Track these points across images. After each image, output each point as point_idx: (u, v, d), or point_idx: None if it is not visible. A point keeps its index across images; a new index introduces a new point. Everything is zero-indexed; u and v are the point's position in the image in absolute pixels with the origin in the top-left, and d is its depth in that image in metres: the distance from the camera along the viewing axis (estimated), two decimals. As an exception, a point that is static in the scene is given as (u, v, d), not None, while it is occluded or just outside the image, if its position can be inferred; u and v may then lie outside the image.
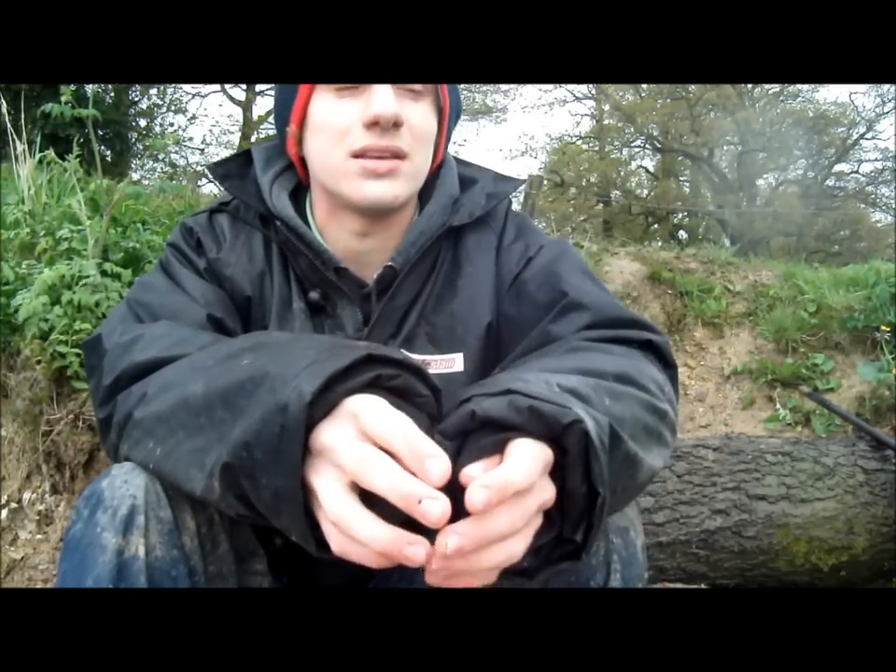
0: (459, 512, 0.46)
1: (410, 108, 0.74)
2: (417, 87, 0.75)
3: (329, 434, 0.49)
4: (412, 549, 0.44)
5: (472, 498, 0.44)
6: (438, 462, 0.45)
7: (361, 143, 0.72)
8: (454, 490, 0.46)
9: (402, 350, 0.80)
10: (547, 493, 0.50)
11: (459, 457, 0.50)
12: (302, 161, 0.81)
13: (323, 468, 0.49)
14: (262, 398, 0.51)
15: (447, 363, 0.80)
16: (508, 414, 0.50)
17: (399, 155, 0.73)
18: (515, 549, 0.48)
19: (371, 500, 0.47)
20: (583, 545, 0.52)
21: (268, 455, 0.49)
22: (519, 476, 0.47)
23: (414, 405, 0.53)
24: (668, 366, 0.72)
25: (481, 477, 0.46)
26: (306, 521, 0.50)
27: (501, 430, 0.50)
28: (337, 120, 0.73)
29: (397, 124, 0.72)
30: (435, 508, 0.43)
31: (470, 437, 0.51)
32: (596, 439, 0.50)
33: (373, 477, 0.46)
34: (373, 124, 0.72)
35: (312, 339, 0.61)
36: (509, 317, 0.81)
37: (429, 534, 0.45)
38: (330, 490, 0.48)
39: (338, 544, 0.48)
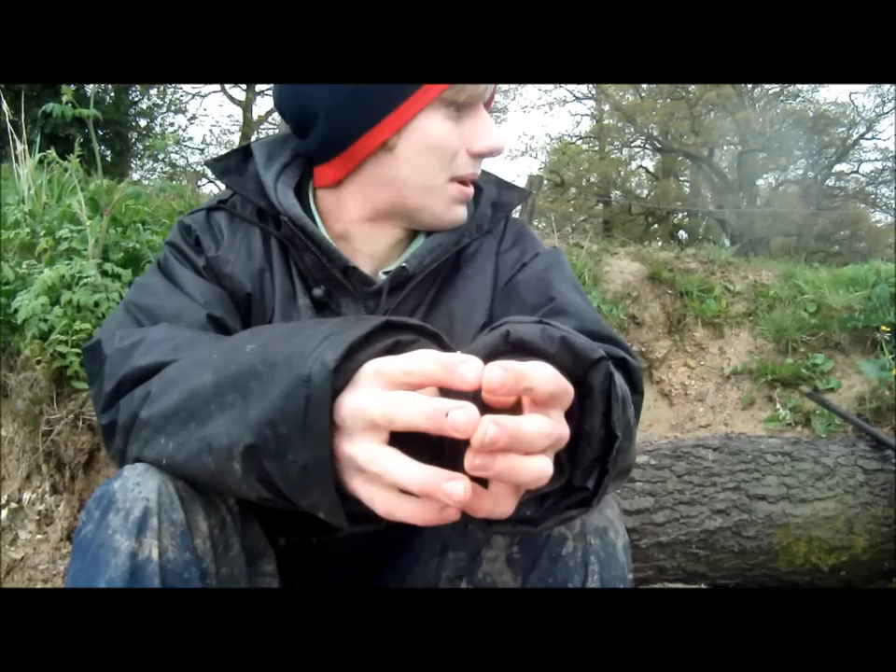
0: None
1: None
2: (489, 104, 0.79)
3: (354, 399, 0.48)
4: (450, 484, 0.44)
5: (489, 375, 0.44)
6: (469, 364, 0.45)
7: (466, 170, 0.78)
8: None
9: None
10: (564, 429, 0.49)
11: None
12: (341, 163, 0.79)
13: (356, 432, 0.48)
14: (280, 375, 0.51)
15: None
16: (540, 341, 0.51)
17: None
18: (544, 468, 0.46)
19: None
20: (594, 492, 0.52)
21: (294, 428, 0.49)
22: (533, 371, 0.46)
23: None
24: (636, 391, 0.71)
25: (498, 361, 0.46)
26: (336, 494, 0.49)
27: (531, 356, 0.50)
28: (450, 143, 0.76)
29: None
30: (461, 415, 0.43)
31: (498, 358, 0.51)
32: (619, 384, 0.52)
33: (400, 411, 0.45)
34: (481, 154, 0.78)
35: (317, 322, 0.61)
36: (497, 318, 0.81)
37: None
38: (370, 449, 0.47)
39: (383, 504, 0.47)
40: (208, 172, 0.84)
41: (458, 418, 0.43)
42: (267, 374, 0.53)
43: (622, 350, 0.72)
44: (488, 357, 0.50)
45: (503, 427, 0.44)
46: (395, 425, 0.46)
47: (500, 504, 0.48)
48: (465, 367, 0.44)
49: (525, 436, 0.45)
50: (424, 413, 0.44)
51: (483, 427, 0.43)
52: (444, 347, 0.53)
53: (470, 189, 0.80)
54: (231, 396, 0.55)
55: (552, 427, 0.47)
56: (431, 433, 0.45)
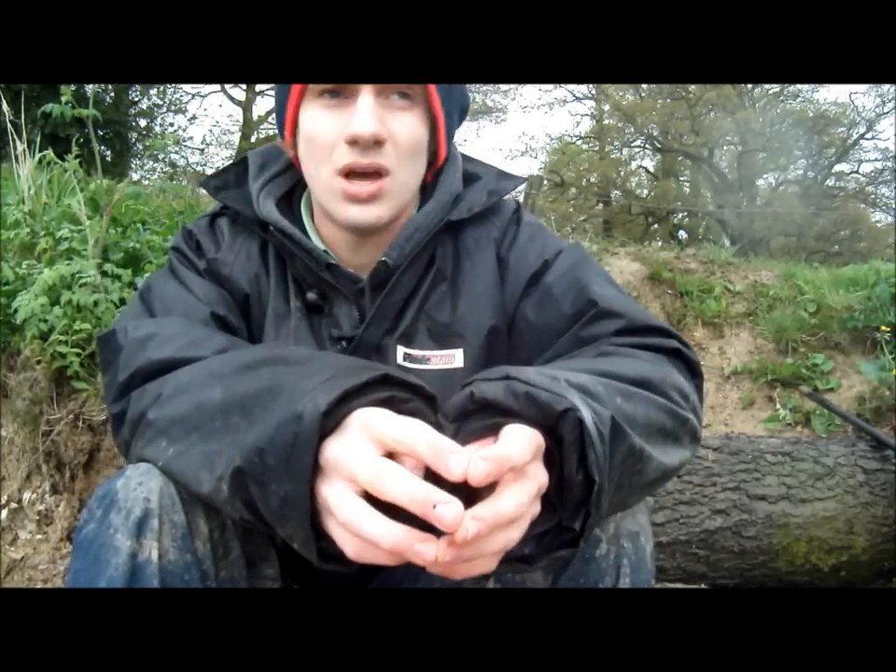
0: (456, 492, 0.48)
1: (395, 122, 0.73)
2: (407, 91, 0.74)
3: (338, 447, 0.50)
4: (422, 546, 0.46)
5: (474, 470, 0.46)
6: (458, 457, 0.46)
7: (344, 160, 0.72)
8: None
9: (399, 345, 0.81)
10: (542, 478, 0.51)
11: (455, 440, 0.51)
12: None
13: (334, 478, 0.50)
14: (279, 407, 0.53)
15: (447, 359, 0.81)
16: (504, 398, 0.52)
17: (381, 172, 0.73)
18: (513, 535, 0.49)
19: (382, 506, 0.48)
20: (581, 533, 0.53)
21: (280, 461, 0.50)
22: (513, 452, 0.48)
23: None
24: (695, 375, 0.73)
25: (478, 451, 0.47)
26: (310, 529, 0.50)
27: (499, 414, 0.52)
28: (324, 134, 0.73)
29: (378, 142, 0.72)
30: (449, 511, 0.45)
31: (468, 420, 0.53)
32: (593, 428, 0.51)
33: (389, 487, 0.47)
34: (354, 142, 0.71)
35: (331, 356, 0.62)
36: (528, 322, 0.81)
37: (434, 531, 0.47)
38: (341, 496, 0.49)
39: (353, 549, 0.49)
40: (208, 172, 0.85)
41: (445, 514, 0.45)
42: (270, 403, 0.54)
43: (674, 340, 0.73)
44: (457, 417, 0.53)
45: (483, 520, 0.46)
46: (379, 496, 0.47)
47: (475, 567, 0.50)
48: (452, 459, 0.46)
49: (505, 516, 0.47)
50: (412, 498, 0.46)
51: (465, 526, 0.45)
52: (436, 410, 0.55)
53: (358, 188, 0.73)
54: (237, 418, 0.56)
55: (528, 493, 0.49)
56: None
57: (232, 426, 0.56)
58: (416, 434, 0.48)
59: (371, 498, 0.49)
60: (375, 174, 0.73)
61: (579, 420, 0.51)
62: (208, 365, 0.64)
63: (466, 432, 0.53)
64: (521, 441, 0.49)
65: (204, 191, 0.90)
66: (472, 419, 0.53)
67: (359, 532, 0.47)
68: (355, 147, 0.72)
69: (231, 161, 0.87)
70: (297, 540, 0.52)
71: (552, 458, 0.52)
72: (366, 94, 0.71)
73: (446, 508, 0.45)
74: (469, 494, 0.47)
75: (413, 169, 0.77)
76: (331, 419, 0.50)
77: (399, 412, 0.52)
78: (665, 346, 0.72)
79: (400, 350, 0.80)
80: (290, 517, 0.51)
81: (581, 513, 0.53)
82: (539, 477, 0.51)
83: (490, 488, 0.48)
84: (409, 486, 0.46)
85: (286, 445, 0.50)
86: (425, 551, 0.46)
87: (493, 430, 0.51)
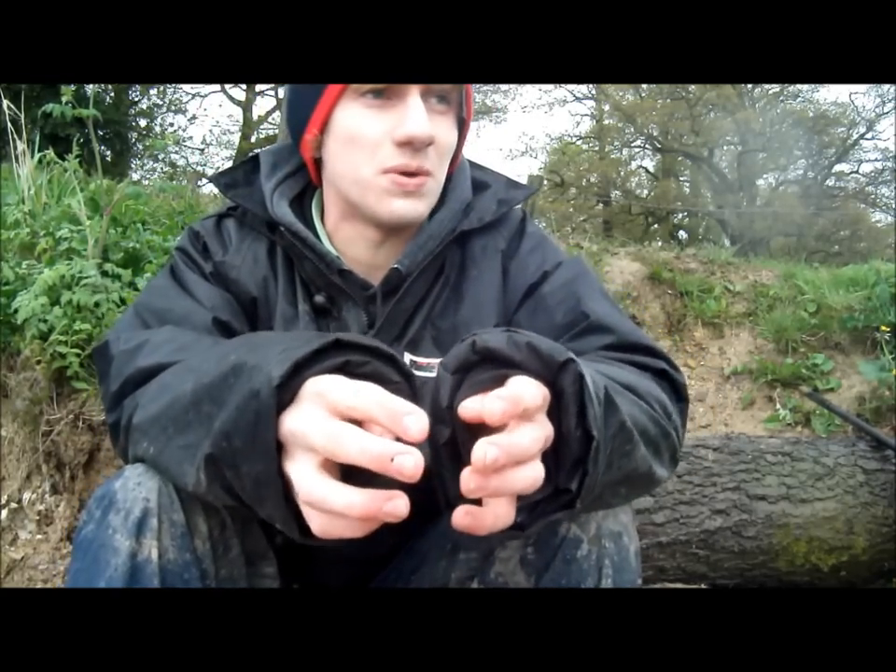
0: (458, 448, 0.49)
1: (437, 126, 0.74)
2: (445, 95, 0.75)
3: (295, 419, 0.49)
4: (391, 503, 0.45)
5: (491, 407, 0.45)
6: (415, 417, 0.45)
7: (393, 161, 0.73)
8: (453, 424, 0.49)
9: (406, 352, 0.80)
10: (549, 428, 0.50)
11: (458, 392, 0.50)
12: (317, 163, 0.81)
13: (296, 453, 0.49)
14: (240, 387, 0.52)
15: None
16: (506, 348, 0.51)
17: (426, 173, 0.74)
18: (538, 472, 0.48)
19: (350, 481, 0.48)
20: (578, 494, 0.52)
21: (246, 442, 0.50)
22: (526, 392, 0.48)
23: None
24: (680, 399, 0.72)
25: (494, 392, 0.47)
26: (287, 506, 0.50)
27: (501, 366, 0.51)
28: (367, 134, 0.73)
29: (429, 144, 0.73)
30: (408, 461, 0.44)
31: (470, 372, 0.52)
32: (591, 385, 0.51)
33: (344, 448, 0.46)
34: (406, 144, 0.72)
35: (297, 333, 0.61)
36: (522, 328, 0.81)
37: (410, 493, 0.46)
38: (302, 471, 0.48)
39: (318, 525, 0.48)
40: (208, 172, 0.85)
41: (404, 464, 0.44)
42: (234, 384, 0.53)
43: (662, 361, 0.73)
44: (458, 369, 0.52)
45: (501, 447, 0.45)
46: (337, 458, 0.46)
47: (500, 517, 0.49)
48: (409, 419, 0.45)
49: (521, 449, 0.47)
50: (369, 454, 0.45)
51: (482, 450, 0.45)
52: (399, 370, 0.54)
53: (407, 180, 0.74)
54: (208, 406, 0.55)
55: (541, 433, 0.48)
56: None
57: (204, 414, 0.55)
58: (369, 399, 0.47)
59: (345, 476, 0.48)
60: (420, 173, 0.74)
61: (579, 374, 0.51)
62: (188, 362, 0.64)
63: (469, 384, 0.51)
64: (531, 386, 0.48)
65: (204, 191, 0.89)
66: (475, 371, 0.52)
67: (326, 507, 0.46)
68: (406, 149, 0.73)
69: (230, 161, 0.87)
70: (277, 520, 0.51)
71: (550, 416, 0.51)
72: (416, 96, 0.72)
73: (405, 458, 0.44)
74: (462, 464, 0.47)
75: (445, 170, 0.79)
76: (287, 392, 0.49)
77: (357, 376, 0.51)
78: (653, 366, 0.72)
79: (407, 357, 0.80)
80: (265, 497, 0.50)
81: (577, 473, 0.52)
82: (546, 426, 0.50)
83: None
84: (363, 443, 0.45)
85: (249, 424, 0.49)
86: (395, 507, 0.44)
87: (497, 382, 0.50)
